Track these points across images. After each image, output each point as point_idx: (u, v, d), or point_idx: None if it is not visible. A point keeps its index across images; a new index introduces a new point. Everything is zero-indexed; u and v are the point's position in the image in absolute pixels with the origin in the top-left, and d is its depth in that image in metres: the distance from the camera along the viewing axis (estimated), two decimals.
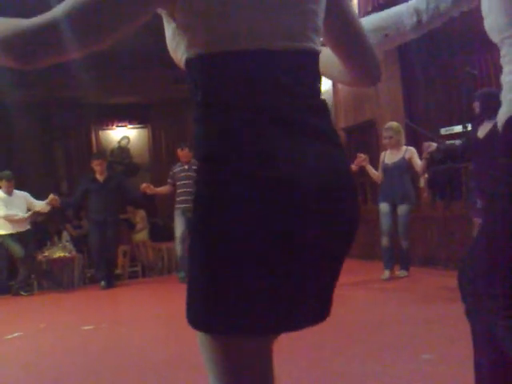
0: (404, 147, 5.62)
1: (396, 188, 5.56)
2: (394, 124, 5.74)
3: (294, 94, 0.93)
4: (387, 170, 5.67)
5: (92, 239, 7.08)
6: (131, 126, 10.89)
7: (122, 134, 10.81)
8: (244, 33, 0.90)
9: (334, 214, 0.94)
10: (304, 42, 0.94)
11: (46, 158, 10.00)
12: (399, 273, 5.61)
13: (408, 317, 3.82)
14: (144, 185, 6.71)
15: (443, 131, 6.78)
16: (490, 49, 6.49)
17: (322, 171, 0.92)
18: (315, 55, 0.97)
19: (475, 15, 1.56)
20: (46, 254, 7.49)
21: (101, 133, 10.71)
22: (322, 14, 0.99)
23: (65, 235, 8.23)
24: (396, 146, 5.61)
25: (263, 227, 0.87)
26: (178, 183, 6.86)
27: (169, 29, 0.97)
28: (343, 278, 1.11)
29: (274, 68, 0.91)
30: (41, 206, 6.89)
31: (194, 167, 6.97)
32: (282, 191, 0.87)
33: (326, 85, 8.23)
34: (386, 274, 5.55)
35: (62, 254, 7.54)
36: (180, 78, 10.50)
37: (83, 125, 10.40)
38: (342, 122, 7.98)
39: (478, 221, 4.57)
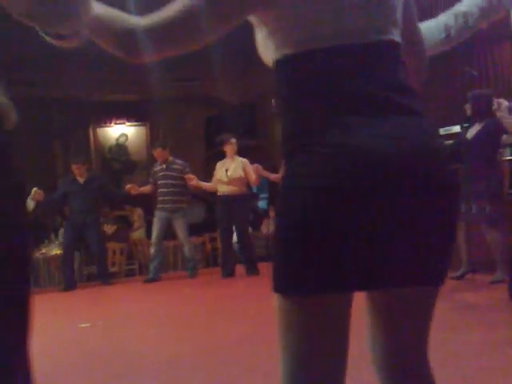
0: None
1: None
2: None
3: (375, 80, 1.02)
4: None
5: (65, 240, 7.04)
6: (129, 124, 10.86)
7: (120, 132, 10.79)
8: (331, 33, 1.01)
9: (416, 177, 0.98)
10: (384, 35, 1.04)
11: (44, 155, 9.97)
12: None
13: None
14: (128, 185, 6.75)
15: (442, 131, 6.77)
16: (491, 49, 6.49)
17: (407, 140, 0.99)
18: (395, 46, 1.07)
19: None
20: (44, 251, 7.47)
21: (99, 130, 10.68)
22: (400, 10, 1.09)
23: (62, 233, 8.21)
24: None
25: (348, 187, 0.95)
26: (158, 183, 6.85)
27: (259, 34, 1.09)
28: None
29: (355, 60, 1.02)
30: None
31: (174, 166, 6.97)
32: (364, 157, 0.95)
33: None
34: None
35: (59, 252, 7.52)
36: (179, 76, 10.51)
37: (81, 122, 10.37)
38: None
39: (460, 224, 4.58)
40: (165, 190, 6.83)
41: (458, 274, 4.94)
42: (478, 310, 3.92)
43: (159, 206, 6.84)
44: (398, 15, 1.08)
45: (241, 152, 6.90)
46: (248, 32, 1.15)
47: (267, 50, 1.09)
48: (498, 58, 6.54)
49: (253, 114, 10.70)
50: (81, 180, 6.97)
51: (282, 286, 1.01)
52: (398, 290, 1.05)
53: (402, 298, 1.07)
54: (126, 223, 9.23)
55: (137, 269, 8.68)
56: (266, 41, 1.08)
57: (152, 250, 6.93)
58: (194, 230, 9.85)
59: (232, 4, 1.03)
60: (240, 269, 6.78)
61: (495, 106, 4.15)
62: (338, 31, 1.02)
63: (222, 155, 6.80)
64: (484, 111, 4.60)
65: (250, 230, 9.52)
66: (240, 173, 6.56)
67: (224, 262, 6.79)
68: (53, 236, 7.92)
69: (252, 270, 6.51)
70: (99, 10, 1.00)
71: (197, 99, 10.90)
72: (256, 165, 6.45)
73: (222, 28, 1.06)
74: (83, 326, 4.34)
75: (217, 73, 8.59)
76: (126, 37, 1.01)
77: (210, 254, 9.10)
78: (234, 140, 6.73)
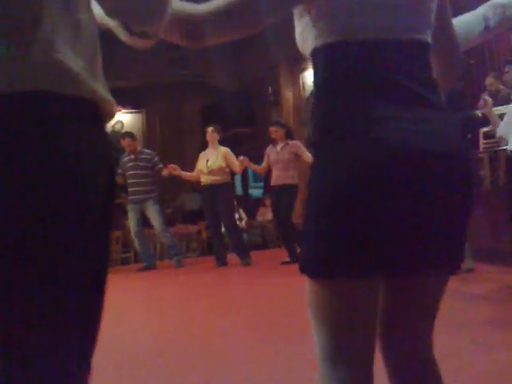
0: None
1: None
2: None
3: (406, 75, 1.07)
4: None
5: None
6: (125, 111, 10.80)
7: (116, 119, 10.73)
8: (366, 27, 1.07)
9: (441, 169, 1.03)
10: (418, 34, 1.10)
11: None
12: None
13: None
14: None
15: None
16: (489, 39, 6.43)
17: (433, 132, 1.04)
18: (427, 46, 1.13)
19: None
20: None
21: None
22: (434, 11, 1.15)
23: None
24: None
25: (376, 176, 0.99)
26: (127, 174, 6.75)
27: (299, 24, 1.16)
28: None
29: (389, 55, 1.07)
30: None
31: (143, 156, 6.87)
32: (393, 148, 1.00)
33: None
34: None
35: None
36: (175, 63, 10.44)
37: None
38: None
39: None
40: (134, 180, 6.77)
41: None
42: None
43: (130, 197, 6.79)
44: (433, 16, 1.14)
45: (238, 139, 6.86)
46: None
47: (306, 41, 1.15)
48: (495, 46, 6.50)
49: (249, 102, 10.65)
50: None
51: (311, 269, 1.07)
52: (421, 276, 1.11)
53: (423, 283, 1.12)
54: (121, 211, 9.20)
55: (132, 257, 8.68)
56: (306, 32, 1.14)
57: (136, 243, 6.94)
58: (189, 218, 9.87)
59: None
60: (233, 257, 6.78)
61: (481, 103, 4.36)
62: (375, 26, 1.08)
63: (218, 143, 6.75)
64: (453, 107, 4.84)
65: (245, 218, 9.52)
66: (220, 163, 6.52)
67: (217, 251, 6.80)
68: None
69: (245, 259, 6.53)
70: None
71: (193, 86, 10.83)
72: (242, 157, 6.45)
73: (280, 13, 1.13)
74: None
75: (212, 60, 8.53)
76: (189, 25, 1.09)
77: (205, 242, 9.10)
78: (210, 128, 6.69)
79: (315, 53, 1.13)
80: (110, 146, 0.90)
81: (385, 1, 1.09)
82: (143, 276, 6.66)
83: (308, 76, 8.87)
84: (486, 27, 1.58)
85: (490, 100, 4.40)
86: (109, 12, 0.92)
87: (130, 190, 6.77)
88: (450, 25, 1.25)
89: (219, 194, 6.49)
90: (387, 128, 1.01)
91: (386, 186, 1.00)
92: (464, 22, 1.58)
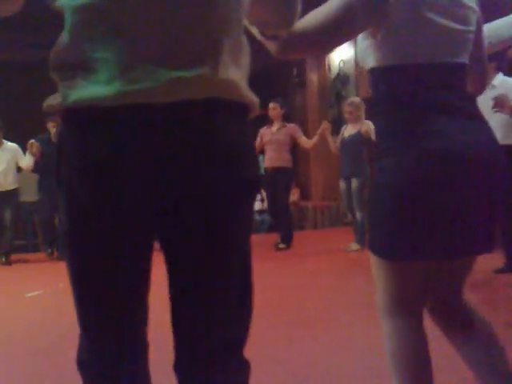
0: (362, 121, 5.71)
1: (350, 162, 5.69)
2: (356, 99, 6.06)
3: (453, 92, 1.33)
4: (344, 143, 5.80)
5: (42, 208, 6.39)
6: None
7: None
8: (425, 53, 1.32)
9: (486, 170, 1.31)
10: (460, 58, 1.36)
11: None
12: (351, 245, 5.76)
13: None
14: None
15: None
16: None
17: (478, 141, 1.31)
18: (465, 66, 1.39)
19: None
20: None
21: None
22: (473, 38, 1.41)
23: None
24: (356, 120, 5.75)
25: (440, 179, 1.27)
26: None
27: (363, 43, 1.39)
28: None
29: (440, 75, 1.33)
30: (24, 161, 6.14)
31: None
32: (449, 156, 1.27)
33: (348, 53, 8.11)
34: (352, 245, 5.77)
35: None
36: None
37: None
38: (364, 91, 7.86)
39: None
40: None
41: None
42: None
43: None
44: (471, 43, 1.40)
45: (258, 121, 6.82)
46: None
47: (367, 58, 1.38)
48: None
49: (271, 83, 10.58)
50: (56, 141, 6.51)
51: (378, 250, 1.38)
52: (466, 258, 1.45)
53: (467, 261, 1.46)
54: None
55: None
56: (368, 52, 1.37)
57: None
58: None
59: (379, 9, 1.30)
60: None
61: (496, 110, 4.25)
62: (434, 52, 1.32)
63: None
64: None
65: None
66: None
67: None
68: None
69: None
70: None
71: None
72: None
73: (351, 36, 1.40)
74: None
75: None
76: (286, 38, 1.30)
77: None
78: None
79: (376, 71, 1.37)
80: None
81: (441, 29, 1.31)
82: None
83: (334, 58, 8.76)
84: None
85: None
86: (250, 20, 1.20)
87: None
88: (482, 45, 1.49)
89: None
90: (445, 138, 1.27)
91: (447, 188, 1.27)
92: (496, 27, 1.82)
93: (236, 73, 1.02)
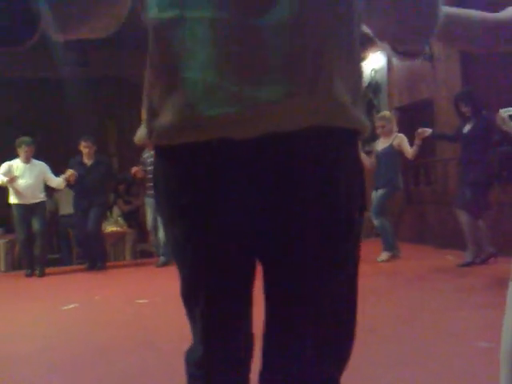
0: (394, 134, 5.82)
1: (381, 174, 5.77)
2: (387, 113, 6.21)
3: None
4: (378, 157, 5.89)
5: (80, 227, 6.79)
6: None
7: None
8: None
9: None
10: None
11: (97, 135, 10.15)
12: (380, 256, 5.74)
13: (463, 303, 3.72)
14: (135, 168, 6.56)
15: (502, 112, 6.53)
16: None
17: None
18: None
19: None
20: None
21: None
22: None
23: (116, 210, 8.39)
24: (388, 133, 5.83)
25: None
26: (147, 169, 6.52)
27: None
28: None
29: None
30: (57, 182, 6.56)
31: None
32: None
33: (380, 62, 8.02)
34: (383, 255, 5.75)
35: (114, 229, 7.70)
36: None
37: (136, 104, 10.48)
38: (396, 100, 7.78)
39: (461, 213, 5.04)
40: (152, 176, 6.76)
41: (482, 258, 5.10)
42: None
43: (148, 192, 6.80)
44: None
45: None
46: None
47: None
48: None
49: None
50: (88, 163, 6.79)
51: None
52: None
53: None
54: None
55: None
56: None
57: (152, 238, 7.00)
58: None
59: None
60: None
61: (500, 121, 4.21)
62: None
63: None
64: (479, 108, 5.12)
65: None
66: None
67: None
68: (108, 214, 8.09)
69: None
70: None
71: None
72: None
73: None
74: (140, 301, 4.43)
75: None
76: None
77: None
78: None
79: None
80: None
81: None
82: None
83: (365, 67, 8.69)
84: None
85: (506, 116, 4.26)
86: (376, 35, 1.01)
87: (147, 185, 6.78)
88: None
89: None
90: None
91: None
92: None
93: (345, 93, 0.88)
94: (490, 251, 5.03)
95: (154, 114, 0.92)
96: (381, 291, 4.30)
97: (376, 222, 5.76)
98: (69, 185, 6.65)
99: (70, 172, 6.44)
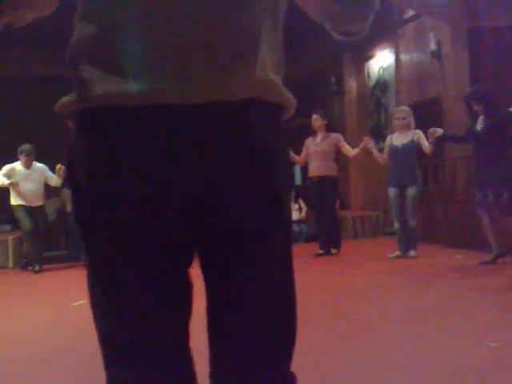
0: (412, 130, 5.78)
1: (404, 170, 5.70)
2: (406, 107, 6.13)
3: None
4: (396, 152, 5.79)
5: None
6: None
7: None
8: None
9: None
10: None
11: None
12: (409, 253, 5.76)
13: (474, 302, 3.72)
14: (58, 166, 6.49)
15: None
16: None
17: None
18: None
19: None
20: None
21: None
22: None
23: None
24: (406, 128, 5.77)
25: None
26: None
27: None
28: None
29: None
30: (55, 181, 6.74)
31: None
32: None
33: (388, 60, 8.00)
34: (396, 253, 5.81)
35: None
36: None
37: None
38: (404, 98, 7.75)
39: (482, 214, 4.99)
40: None
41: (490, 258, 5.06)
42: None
43: None
44: None
45: (297, 131, 6.85)
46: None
47: None
48: None
49: (311, 92, 10.54)
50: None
51: None
52: None
53: None
54: None
55: None
56: None
57: None
58: None
59: None
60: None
61: None
62: None
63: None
64: (493, 105, 5.07)
65: (305, 208, 9.47)
66: None
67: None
68: None
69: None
70: None
71: None
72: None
73: None
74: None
75: None
76: None
77: None
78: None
79: None
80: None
81: None
82: None
83: (373, 65, 8.68)
84: None
85: None
86: (314, 15, 1.04)
87: None
88: None
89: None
90: None
91: None
92: None
93: (273, 71, 0.93)
94: (500, 250, 5.01)
95: (84, 83, 0.89)
96: (393, 287, 4.34)
97: (413, 224, 5.72)
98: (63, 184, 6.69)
99: (58, 166, 6.53)
